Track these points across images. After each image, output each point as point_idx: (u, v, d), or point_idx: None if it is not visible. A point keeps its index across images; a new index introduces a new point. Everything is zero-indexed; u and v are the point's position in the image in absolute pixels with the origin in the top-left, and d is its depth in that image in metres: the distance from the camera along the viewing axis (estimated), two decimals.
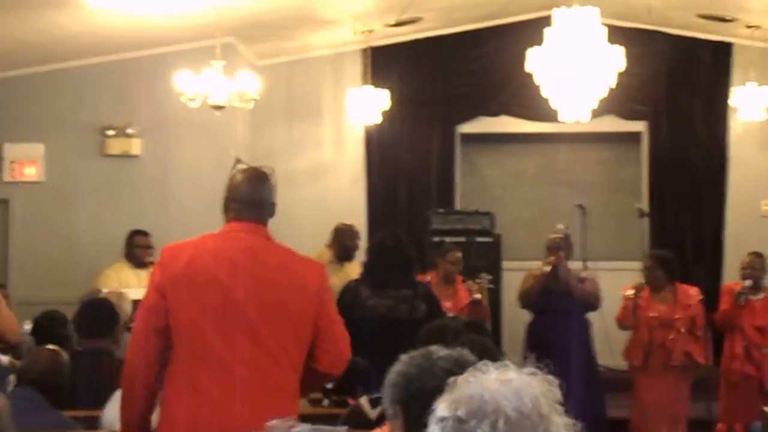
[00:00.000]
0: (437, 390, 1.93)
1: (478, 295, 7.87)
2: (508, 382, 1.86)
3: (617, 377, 8.91)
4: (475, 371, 1.91)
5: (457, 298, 7.88)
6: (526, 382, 1.87)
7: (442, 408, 1.87)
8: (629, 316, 7.82)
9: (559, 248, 7.89)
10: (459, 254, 8.11)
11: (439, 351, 2.57)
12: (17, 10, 7.80)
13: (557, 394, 1.88)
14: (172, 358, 3.77)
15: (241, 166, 4.08)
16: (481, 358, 2.98)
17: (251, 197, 3.88)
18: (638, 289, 7.84)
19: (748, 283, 7.92)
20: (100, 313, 5.24)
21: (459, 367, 1.91)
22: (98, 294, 6.79)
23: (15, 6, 7.73)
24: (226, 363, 3.69)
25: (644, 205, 10.74)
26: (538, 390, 1.87)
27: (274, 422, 3.09)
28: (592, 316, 8.19)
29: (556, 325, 7.75)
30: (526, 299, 8.00)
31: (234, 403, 3.65)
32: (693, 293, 7.89)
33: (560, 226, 8.18)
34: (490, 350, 3.46)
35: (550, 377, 1.91)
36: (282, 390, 3.76)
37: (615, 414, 8.62)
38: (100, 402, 4.60)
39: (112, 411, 4.43)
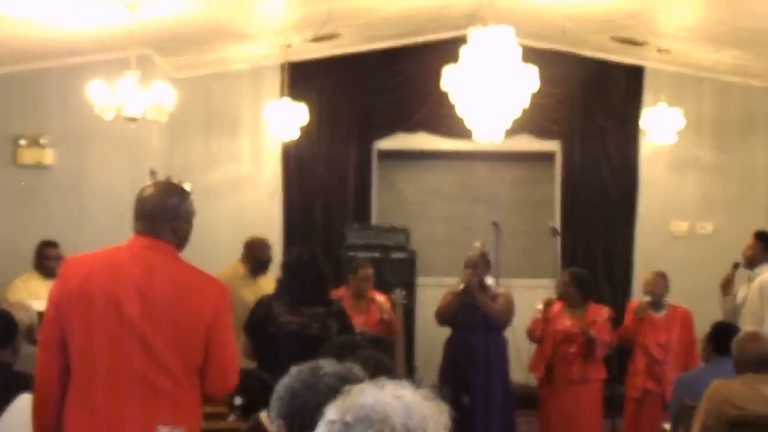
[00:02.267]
0: (320, 406, 1.90)
1: (386, 315, 7.77)
2: (400, 398, 1.87)
3: (528, 393, 8.95)
4: (372, 384, 1.91)
5: (369, 313, 7.84)
6: (418, 401, 1.88)
7: (332, 412, 1.88)
8: (539, 329, 7.89)
9: (475, 265, 7.89)
10: (370, 270, 8.03)
11: (326, 367, 2.52)
12: None
13: (446, 420, 1.89)
14: (71, 371, 3.70)
15: (154, 179, 4.01)
16: (375, 373, 2.94)
17: (156, 212, 3.78)
18: (547, 303, 7.90)
19: (647, 298, 8.04)
20: None
21: (344, 384, 1.87)
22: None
23: None
24: (117, 377, 3.61)
25: (557, 223, 10.83)
26: (427, 411, 1.87)
27: (163, 429, 3.07)
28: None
29: (472, 341, 7.77)
30: (442, 316, 8.01)
31: (125, 417, 3.58)
32: (603, 312, 7.95)
33: (477, 243, 8.19)
34: (385, 366, 3.42)
35: (442, 404, 1.92)
36: (178, 404, 3.70)
37: (523, 429, 8.67)
38: None
39: (7, 419, 4.33)
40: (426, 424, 1.85)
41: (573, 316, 7.89)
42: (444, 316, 7.99)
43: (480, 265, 7.94)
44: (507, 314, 7.97)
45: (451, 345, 8.09)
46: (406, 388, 1.91)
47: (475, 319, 7.83)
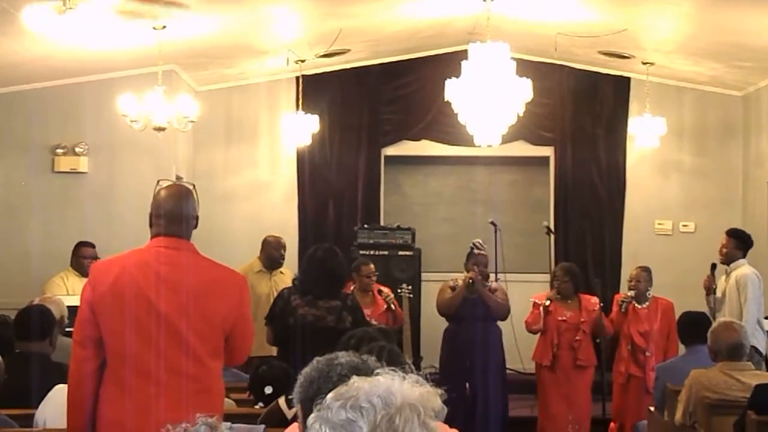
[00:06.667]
0: None
1: (393, 305, 8.05)
2: (379, 384, 1.88)
3: (524, 379, 8.95)
4: (364, 377, 1.92)
5: (375, 306, 7.94)
6: (406, 388, 1.87)
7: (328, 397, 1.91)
8: (539, 321, 7.88)
9: (485, 264, 7.90)
10: (372, 267, 8.19)
11: (341, 357, 2.55)
12: None
13: (437, 404, 1.88)
14: (107, 365, 3.73)
15: (163, 183, 4.01)
16: (387, 361, 2.97)
17: (174, 213, 3.81)
18: (552, 298, 7.90)
19: (630, 293, 8.06)
20: (33, 318, 5.11)
21: (355, 373, 1.88)
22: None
23: None
24: (150, 369, 3.64)
25: (551, 222, 10.83)
26: (411, 396, 1.86)
27: (200, 419, 3.07)
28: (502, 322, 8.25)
29: (472, 331, 7.77)
30: (448, 308, 7.94)
31: (159, 405, 3.60)
32: (594, 301, 8.01)
33: (479, 241, 8.16)
34: (396, 355, 3.46)
35: (431, 388, 1.91)
36: (208, 391, 3.74)
37: (521, 413, 8.66)
38: (34, 401, 4.49)
39: (45, 410, 4.34)
40: (402, 409, 1.83)
41: (569, 306, 7.91)
42: (449, 309, 7.93)
43: (486, 263, 7.96)
44: (507, 306, 8.02)
45: (451, 336, 8.06)
46: (397, 377, 1.90)
47: (475, 312, 7.81)
